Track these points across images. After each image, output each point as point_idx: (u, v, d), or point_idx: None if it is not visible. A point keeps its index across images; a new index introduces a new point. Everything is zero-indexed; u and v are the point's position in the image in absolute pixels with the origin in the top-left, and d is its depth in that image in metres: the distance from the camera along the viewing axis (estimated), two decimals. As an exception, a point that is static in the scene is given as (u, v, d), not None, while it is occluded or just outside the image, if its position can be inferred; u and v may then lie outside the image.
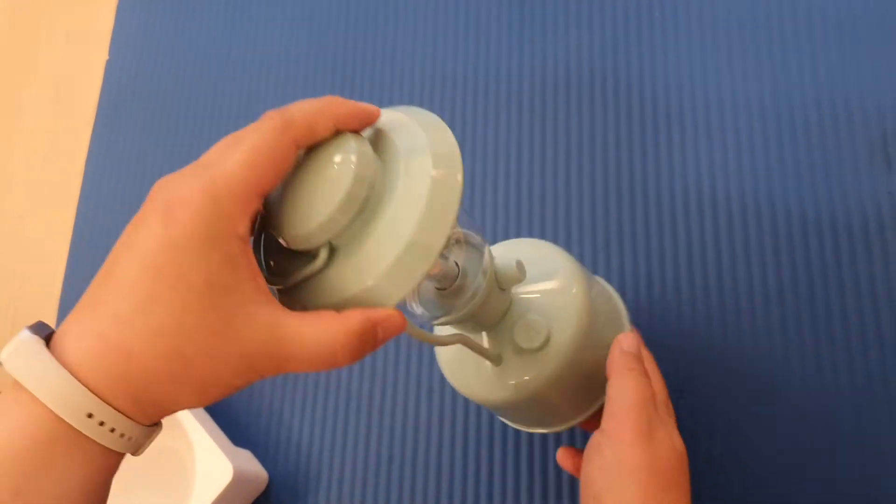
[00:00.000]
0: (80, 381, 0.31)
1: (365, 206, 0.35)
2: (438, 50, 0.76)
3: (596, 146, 0.67)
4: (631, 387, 0.46)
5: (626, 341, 0.49)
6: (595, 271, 0.64)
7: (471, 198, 0.69)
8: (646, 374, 0.47)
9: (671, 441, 0.46)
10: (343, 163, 0.35)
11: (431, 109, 0.38)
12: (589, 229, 0.65)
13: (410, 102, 0.60)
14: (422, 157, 0.35)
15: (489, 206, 0.69)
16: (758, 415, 0.57)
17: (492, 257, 0.47)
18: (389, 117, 0.38)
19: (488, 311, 0.48)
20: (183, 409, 0.34)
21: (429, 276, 0.45)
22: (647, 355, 0.53)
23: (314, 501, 0.66)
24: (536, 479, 0.61)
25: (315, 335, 0.34)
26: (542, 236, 0.66)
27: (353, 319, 0.34)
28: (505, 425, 0.62)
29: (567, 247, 0.64)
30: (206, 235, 0.32)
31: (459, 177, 0.35)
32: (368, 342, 0.34)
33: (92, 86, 0.93)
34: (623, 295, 0.56)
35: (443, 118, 0.38)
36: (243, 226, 0.33)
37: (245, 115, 0.82)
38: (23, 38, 1.03)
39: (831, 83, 0.62)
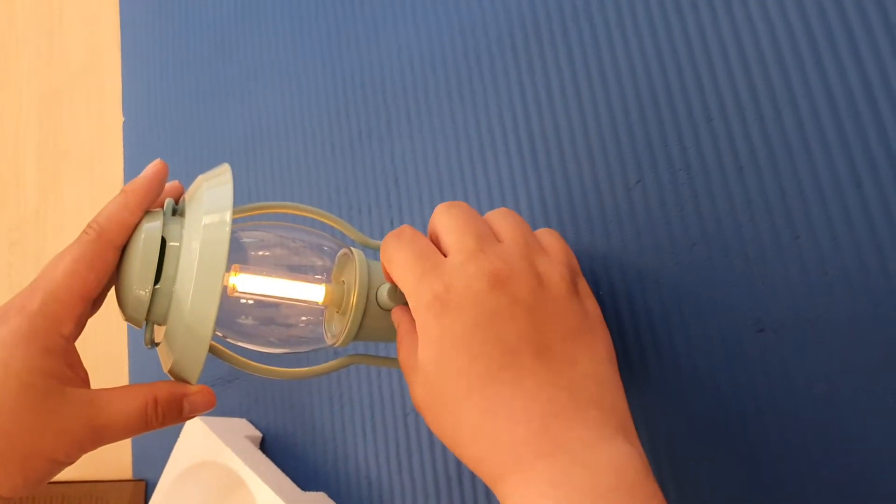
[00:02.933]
0: None
1: (163, 282, 0.41)
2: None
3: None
4: (392, 257, 0.43)
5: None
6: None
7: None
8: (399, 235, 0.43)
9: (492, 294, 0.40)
10: (132, 248, 0.41)
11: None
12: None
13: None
14: (205, 218, 0.41)
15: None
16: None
17: (366, 274, 0.46)
18: (197, 182, 0.44)
19: (373, 331, 0.46)
20: (6, 492, 0.38)
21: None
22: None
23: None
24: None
25: (125, 404, 0.41)
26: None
27: (159, 390, 0.42)
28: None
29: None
30: (28, 332, 0.39)
31: (222, 224, 0.40)
32: (173, 411, 0.42)
33: (116, 150, 0.93)
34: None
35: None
36: (67, 327, 0.40)
37: (253, 146, 0.78)
38: (50, 121, 1.04)
39: None
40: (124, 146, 0.91)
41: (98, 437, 0.40)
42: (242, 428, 0.71)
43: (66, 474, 0.75)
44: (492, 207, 0.59)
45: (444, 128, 0.64)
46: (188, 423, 0.68)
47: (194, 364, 0.40)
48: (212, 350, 0.43)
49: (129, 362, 0.83)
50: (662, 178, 0.52)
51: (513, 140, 0.59)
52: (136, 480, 0.78)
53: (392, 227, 0.66)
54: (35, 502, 0.71)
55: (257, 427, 0.72)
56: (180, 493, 0.69)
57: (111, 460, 0.82)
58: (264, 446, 0.71)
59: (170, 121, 0.89)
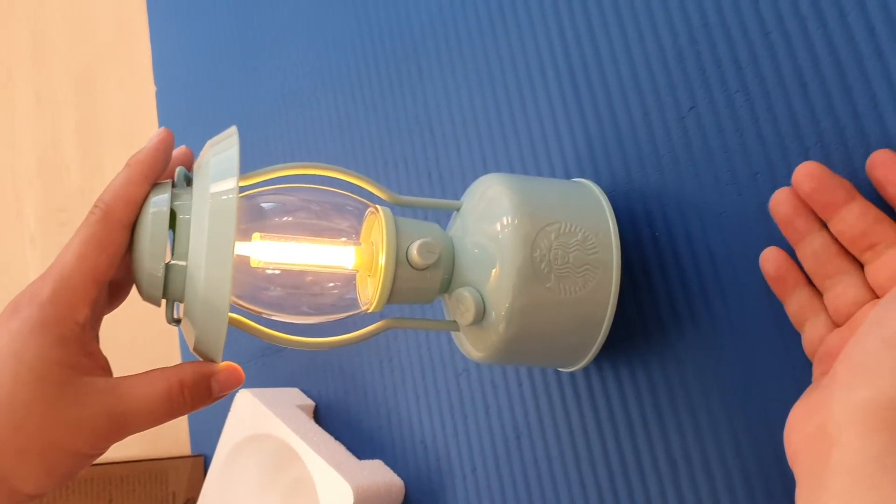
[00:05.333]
0: None
1: (176, 257, 0.39)
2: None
3: None
4: None
5: None
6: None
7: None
8: None
9: None
10: (141, 225, 0.39)
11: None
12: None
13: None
14: (212, 187, 0.38)
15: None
16: None
17: (394, 233, 0.43)
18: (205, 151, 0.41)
19: (407, 293, 0.44)
20: (32, 488, 0.36)
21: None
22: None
23: (454, 500, 0.58)
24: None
25: (149, 389, 0.38)
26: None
27: (185, 372, 0.39)
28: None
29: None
30: (41, 321, 0.37)
31: (229, 192, 0.37)
32: (202, 393, 0.39)
33: (151, 120, 0.91)
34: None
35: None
36: (82, 312, 0.38)
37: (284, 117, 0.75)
38: (86, 100, 1.03)
39: None
40: (158, 115, 0.90)
41: (121, 426, 0.37)
42: (294, 398, 0.69)
43: (124, 453, 0.74)
44: (533, 151, 0.55)
45: (478, 69, 0.60)
46: (238, 396, 0.66)
47: (216, 339, 0.38)
48: (234, 323, 0.41)
49: (180, 348, 0.82)
50: (718, 102, 0.47)
51: (552, 76, 0.55)
52: (194, 456, 0.78)
53: (431, 179, 0.62)
54: (94, 485, 0.71)
55: (310, 396, 0.70)
56: (236, 466, 0.67)
57: (169, 437, 0.82)
58: (318, 415, 0.69)
59: (201, 85, 0.86)
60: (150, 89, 0.92)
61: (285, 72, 0.76)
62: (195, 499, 0.75)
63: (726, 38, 0.47)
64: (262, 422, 0.64)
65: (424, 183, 0.62)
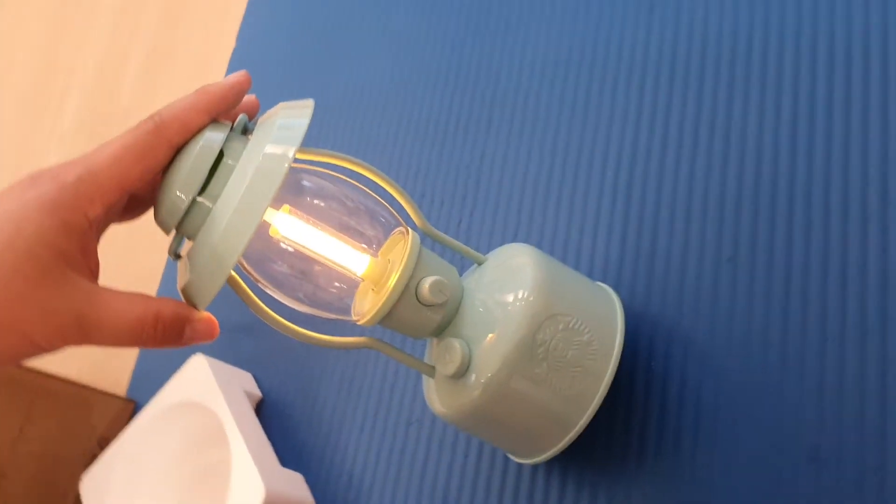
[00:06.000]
0: None
1: (206, 196, 0.38)
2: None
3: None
4: None
5: None
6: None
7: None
8: None
9: None
10: (187, 150, 0.38)
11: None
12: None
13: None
14: (267, 147, 0.37)
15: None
16: None
17: (414, 260, 0.43)
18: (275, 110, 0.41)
19: (402, 322, 0.44)
20: None
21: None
22: None
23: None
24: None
25: (125, 308, 0.37)
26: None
27: (165, 306, 0.38)
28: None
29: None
30: (54, 201, 0.36)
31: (283, 159, 0.37)
32: (173, 333, 0.38)
33: (218, 72, 0.92)
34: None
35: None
36: (95, 210, 0.37)
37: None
38: (167, 26, 1.04)
39: None
40: (227, 72, 0.90)
41: (85, 332, 0.37)
42: (245, 382, 0.68)
43: (62, 367, 0.73)
44: (567, 238, 0.55)
45: (545, 141, 0.60)
46: (193, 358, 0.65)
47: (209, 288, 0.37)
48: (230, 282, 0.40)
49: (161, 281, 0.81)
50: (758, 264, 0.47)
51: (611, 174, 0.55)
52: (127, 400, 0.76)
53: (459, 226, 0.62)
54: (17, 387, 0.69)
55: (260, 387, 0.69)
56: (162, 425, 0.66)
57: (110, 370, 0.80)
58: (260, 408, 0.67)
59: (277, 60, 0.87)
60: (229, 44, 0.92)
61: (361, 76, 0.77)
62: (109, 441, 0.73)
63: (789, 205, 0.47)
64: (205, 392, 0.63)
65: (452, 227, 0.62)
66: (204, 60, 0.97)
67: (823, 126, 0.48)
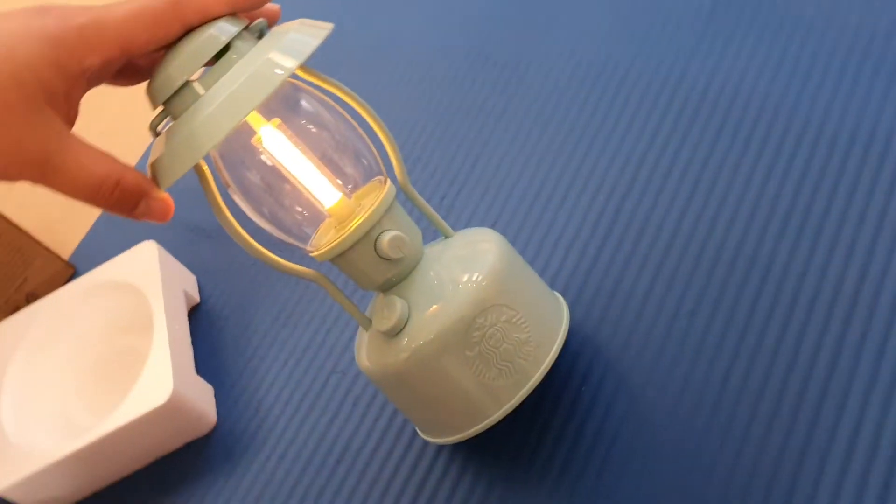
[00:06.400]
0: None
1: (200, 81, 0.38)
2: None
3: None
4: None
5: None
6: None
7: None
8: None
9: None
10: (196, 33, 0.38)
11: None
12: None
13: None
14: (271, 53, 0.37)
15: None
16: None
17: (383, 211, 0.43)
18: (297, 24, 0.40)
19: (354, 266, 0.44)
20: None
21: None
22: None
23: (245, 469, 0.56)
24: None
25: (89, 163, 0.37)
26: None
27: (128, 173, 0.38)
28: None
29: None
30: (54, 38, 0.36)
31: (283, 69, 0.37)
32: (128, 202, 0.38)
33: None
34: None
35: None
36: (91, 60, 0.37)
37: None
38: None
39: None
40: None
41: (44, 172, 0.36)
42: (187, 282, 0.67)
43: (13, 212, 0.72)
44: (541, 245, 0.55)
45: (550, 146, 0.60)
46: (145, 243, 0.64)
47: (176, 169, 0.37)
48: (198, 171, 0.40)
49: (138, 162, 0.80)
50: (714, 325, 0.46)
51: (601, 200, 0.55)
52: (67, 264, 0.75)
53: (442, 202, 0.61)
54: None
55: (200, 292, 0.68)
56: (92, 298, 0.65)
57: (60, 232, 0.79)
58: (193, 312, 0.67)
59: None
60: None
61: (393, 26, 0.76)
62: (37, 298, 0.72)
63: (761, 280, 0.47)
64: (145, 277, 0.62)
65: (435, 200, 0.62)
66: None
67: (815, 216, 0.48)
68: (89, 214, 0.78)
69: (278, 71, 0.36)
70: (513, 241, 0.56)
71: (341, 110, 0.44)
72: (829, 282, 0.45)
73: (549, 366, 0.45)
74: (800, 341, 0.44)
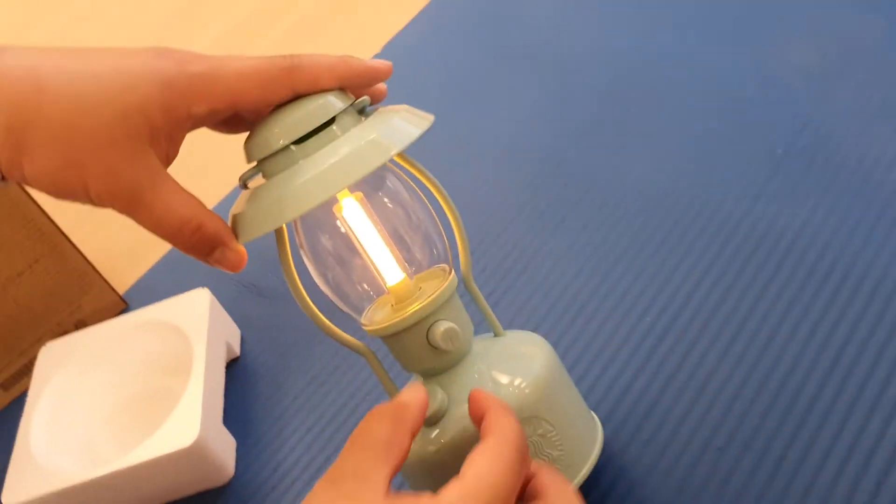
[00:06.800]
0: None
1: (299, 149, 0.39)
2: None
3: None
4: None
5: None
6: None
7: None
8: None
9: None
10: (305, 101, 0.40)
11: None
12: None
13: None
14: (373, 135, 0.38)
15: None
16: None
17: (442, 301, 0.43)
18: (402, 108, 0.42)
19: (402, 348, 0.44)
20: (18, 173, 0.37)
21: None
22: None
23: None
24: None
25: (178, 204, 0.39)
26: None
27: (210, 220, 0.39)
28: None
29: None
30: (169, 84, 0.38)
31: (383, 153, 0.38)
32: (204, 247, 0.40)
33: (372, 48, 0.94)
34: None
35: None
36: (200, 108, 0.39)
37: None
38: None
39: None
40: (382, 51, 0.93)
41: (132, 205, 0.38)
42: (232, 335, 0.68)
43: (81, 239, 0.74)
44: (581, 354, 0.55)
45: (605, 258, 0.61)
46: (199, 290, 0.66)
47: (258, 227, 0.38)
48: (277, 234, 0.42)
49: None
50: (743, 464, 0.46)
51: (649, 320, 0.56)
52: (121, 298, 0.77)
53: (490, 297, 0.62)
54: (38, 237, 0.71)
55: (242, 347, 0.69)
56: (138, 334, 0.67)
57: (121, 267, 0.82)
58: (231, 365, 0.68)
59: (424, 70, 0.89)
60: (389, 34, 0.95)
61: (490, 120, 0.79)
62: (85, 326, 0.74)
63: (794, 424, 0.46)
64: (192, 322, 0.64)
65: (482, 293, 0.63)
66: (357, 39, 1.00)
67: (861, 370, 0.48)
68: (151, 254, 0.81)
69: (377, 155, 0.38)
70: (556, 346, 0.57)
71: (421, 193, 0.45)
72: (865, 441, 0.45)
73: (577, 489, 0.44)
74: (826, 496, 0.43)
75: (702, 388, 0.51)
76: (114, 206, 0.38)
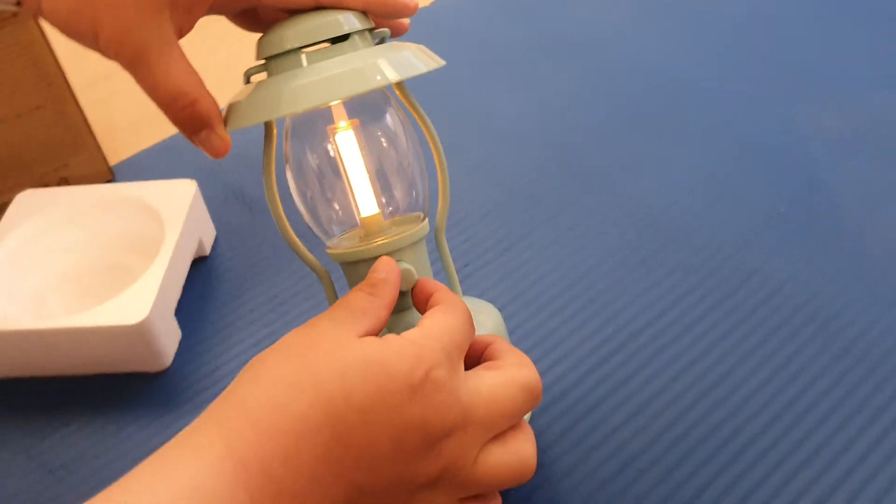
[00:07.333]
0: None
1: (304, 53, 0.40)
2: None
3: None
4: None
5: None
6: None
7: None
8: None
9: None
10: (322, 12, 0.40)
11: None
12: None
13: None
14: (380, 60, 0.39)
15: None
16: None
17: (409, 242, 0.43)
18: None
19: (356, 281, 0.44)
20: (40, 4, 0.37)
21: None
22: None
23: (187, 410, 0.56)
24: None
25: (180, 75, 0.39)
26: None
27: (203, 100, 0.39)
28: None
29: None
30: None
31: (384, 77, 0.38)
32: (193, 123, 0.39)
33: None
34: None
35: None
36: None
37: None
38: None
39: None
40: None
41: (136, 63, 0.38)
42: (206, 233, 0.68)
43: (87, 103, 0.74)
44: (536, 344, 0.56)
45: (584, 260, 0.61)
46: (185, 181, 0.66)
47: (249, 118, 0.38)
48: (267, 128, 0.42)
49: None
50: (659, 487, 0.47)
51: (609, 330, 0.56)
52: (110, 169, 0.77)
53: (465, 269, 0.62)
54: (46, 86, 0.70)
55: (213, 248, 0.69)
56: (114, 207, 0.67)
57: (117, 140, 0.81)
58: (197, 262, 0.68)
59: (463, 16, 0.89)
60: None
61: (524, 99, 0.78)
62: (68, 185, 0.74)
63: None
64: (170, 210, 0.64)
65: (457, 261, 0.63)
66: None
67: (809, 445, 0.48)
68: (151, 135, 0.81)
69: (378, 77, 0.38)
70: (510, 330, 0.57)
71: (417, 143, 0.45)
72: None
73: None
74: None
75: (641, 408, 0.51)
76: (118, 59, 0.38)
